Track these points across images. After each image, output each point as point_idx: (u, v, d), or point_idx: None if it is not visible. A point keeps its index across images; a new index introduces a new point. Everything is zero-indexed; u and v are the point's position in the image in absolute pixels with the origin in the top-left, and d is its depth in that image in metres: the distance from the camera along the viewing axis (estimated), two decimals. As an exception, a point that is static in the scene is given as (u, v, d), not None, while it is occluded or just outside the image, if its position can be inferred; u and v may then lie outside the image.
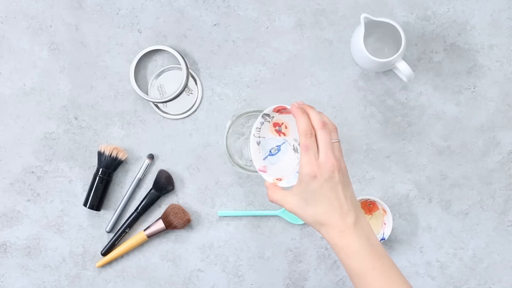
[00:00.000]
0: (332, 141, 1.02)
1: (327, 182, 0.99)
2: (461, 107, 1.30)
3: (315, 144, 1.01)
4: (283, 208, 1.29)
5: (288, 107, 1.05)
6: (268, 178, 1.05)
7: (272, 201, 1.05)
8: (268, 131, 1.09)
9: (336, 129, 1.04)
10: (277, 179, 1.07)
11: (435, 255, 1.31)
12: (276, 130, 1.10)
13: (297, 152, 1.10)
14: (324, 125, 1.01)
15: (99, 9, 1.31)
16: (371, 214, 1.30)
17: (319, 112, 1.03)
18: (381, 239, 1.27)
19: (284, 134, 1.11)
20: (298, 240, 1.31)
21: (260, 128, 1.08)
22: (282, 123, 1.10)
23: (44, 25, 1.31)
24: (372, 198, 1.26)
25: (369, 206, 1.30)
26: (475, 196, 1.31)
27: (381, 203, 1.26)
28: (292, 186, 1.04)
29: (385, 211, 1.27)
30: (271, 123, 1.09)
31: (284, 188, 1.04)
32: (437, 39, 1.30)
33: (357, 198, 1.26)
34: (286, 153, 1.11)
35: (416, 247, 1.31)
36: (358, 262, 0.99)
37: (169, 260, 1.32)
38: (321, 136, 1.01)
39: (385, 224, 1.28)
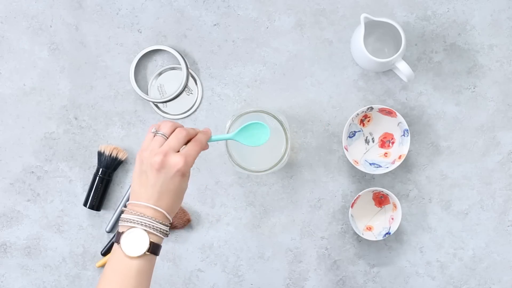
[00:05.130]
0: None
1: None
2: (461, 107, 1.30)
3: None
4: (235, 132, 1.11)
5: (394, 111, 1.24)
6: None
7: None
8: (358, 119, 1.28)
9: None
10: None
11: (435, 255, 1.31)
12: (360, 120, 1.27)
13: (367, 143, 1.28)
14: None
15: (99, 9, 1.31)
16: (381, 207, 1.30)
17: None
18: (387, 233, 1.27)
19: (364, 125, 1.28)
20: (298, 240, 1.31)
21: (358, 114, 1.25)
22: (370, 118, 1.28)
23: (44, 25, 1.31)
24: (385, 191, 1.26)
25: (380, 199, 1.30)
26: (475, 196, 1.31)
27: (394, 198, 1.26)
28: None
29: (395, 206, 1.27)
30: (364, 115, 1.27)
31: None
32: (437, 39, 1.30)
33: (371, 188, 1.26)
34: (357, 140, 1.29)
35: (416, 247, 1.31)
36: None
37: (169, 260, 1.32)
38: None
39: (393, 219, 1.28)
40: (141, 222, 0.98)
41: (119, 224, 1.00)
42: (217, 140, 1.09)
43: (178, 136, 1.02)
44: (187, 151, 1.01)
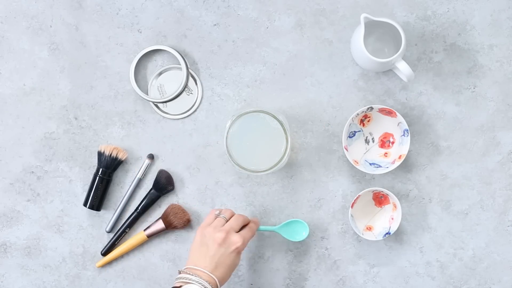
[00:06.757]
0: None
1: None
2: (461, 107, 1.30)
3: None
4: (279, 226, 1.29)
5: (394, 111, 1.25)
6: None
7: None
8: (358, 119, 1.28)
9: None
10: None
11: (435, 255, 1.31)
12: (360, 120, 1.27)
13: (367, 143, 1.28)
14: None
15: (99, 9, 1.31)
16: (381, 207, 1.30)
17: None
18: (387, 233, 1.27)
19: (364, 125, 1.28)
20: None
21: (358, 114, 1.25)
22: (370, 118, 1.27)
23: (44, 25, 1.31)
24: (385, 191, 1.26)
25: (380, 199, 1.30)
26: (475, 196, 1.31)
27: (394, 198, 1.26)
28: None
29: (395, 206, 1.27)
30: (364, 115, 1.28)
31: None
32: (437, 39, 1.30)
33: (371, 188, 1.27)
34: (357, 140, 1.29)
35: (416, 247, 1.31)
36: None
37: (169, 260, 1.32)
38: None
39: (393, 219, 1.28)
40: (198, 281, 1.14)
41: (176, 280, 1.16)
42: (263, 230, 1.29)
43: (238, 220, 1.21)
44: (244, 234, 1.20)
